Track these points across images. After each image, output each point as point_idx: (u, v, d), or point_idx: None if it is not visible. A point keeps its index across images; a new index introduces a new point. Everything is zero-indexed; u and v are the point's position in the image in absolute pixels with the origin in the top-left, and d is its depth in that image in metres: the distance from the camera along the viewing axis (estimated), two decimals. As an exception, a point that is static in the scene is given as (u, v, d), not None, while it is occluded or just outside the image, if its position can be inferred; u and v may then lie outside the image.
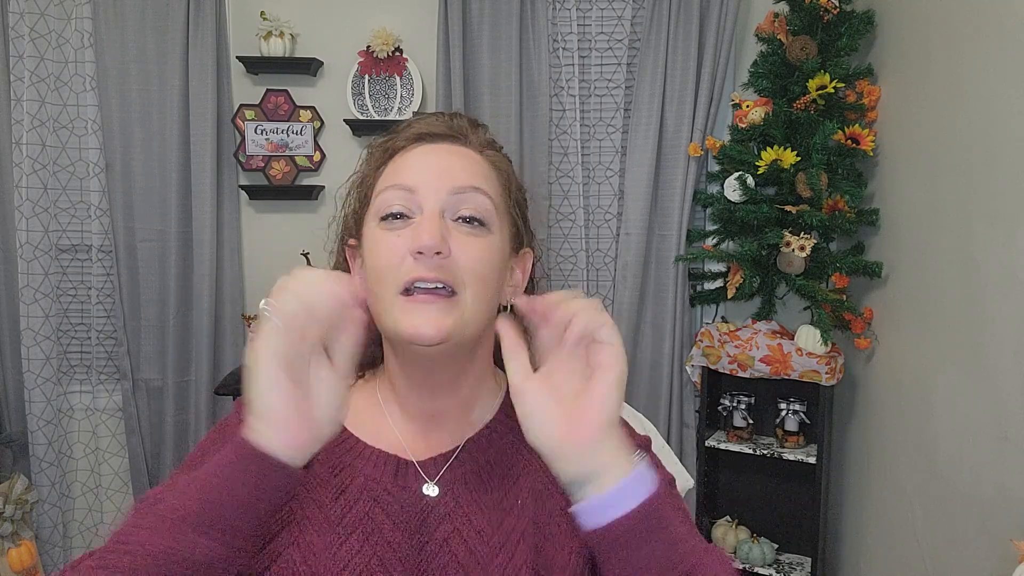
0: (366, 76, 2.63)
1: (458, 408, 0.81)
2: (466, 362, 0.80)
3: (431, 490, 0.77)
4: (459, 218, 0.75)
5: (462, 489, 0.78)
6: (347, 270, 0.84)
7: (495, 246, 0.77)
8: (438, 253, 0.71)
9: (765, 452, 2.38)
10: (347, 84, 2.63)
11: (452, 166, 0.77)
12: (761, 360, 2.30)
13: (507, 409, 0.83)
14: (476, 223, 0.75)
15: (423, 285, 0.71)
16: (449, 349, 0.74)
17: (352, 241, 0.82)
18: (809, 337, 2.26)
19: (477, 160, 0.79)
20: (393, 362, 0.81)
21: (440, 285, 0.71)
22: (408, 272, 0.71)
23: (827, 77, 2.24)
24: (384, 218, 0.75)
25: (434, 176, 0.76)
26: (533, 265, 0.85)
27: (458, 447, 0.80)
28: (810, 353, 2.25)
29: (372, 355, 0.88)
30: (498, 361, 0.86)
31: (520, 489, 0.79)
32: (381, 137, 0.83)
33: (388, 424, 0.82)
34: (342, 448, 0.80)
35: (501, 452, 0.81)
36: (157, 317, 2.70)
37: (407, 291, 0.72)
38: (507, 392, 0.83)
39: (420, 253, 0.71)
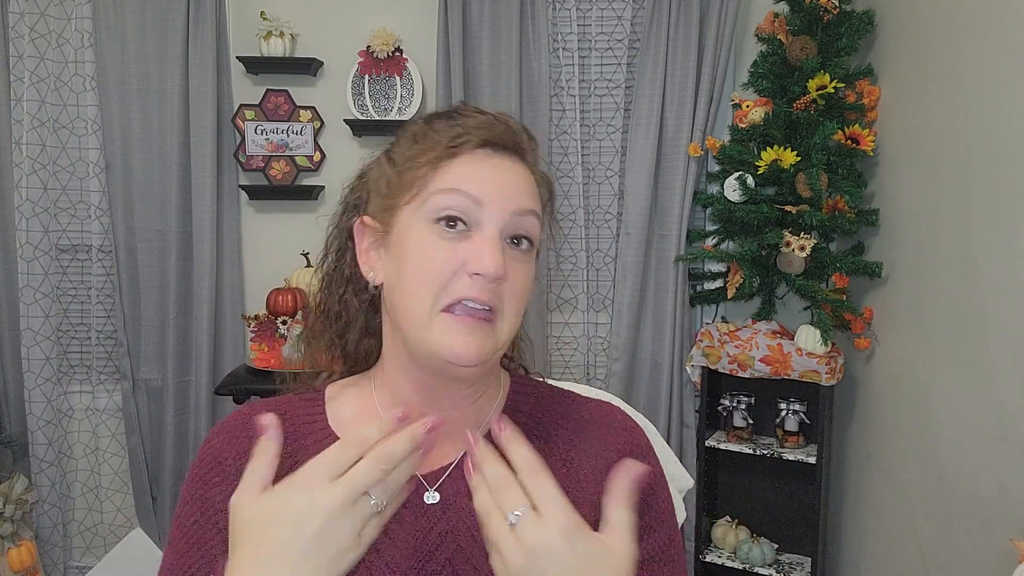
0: (366, 76, 2.62)
1: (463, 418, 0.79)
2: (484, 373, 0.78)
3: (432, 498, 0.75)
4: (513, 238, 0.73)
5: (465, 500, 0.74)
6: (349, 246, 0.81)
7: (533, 271, 0.76)
8: (496, 279, 0.70)
9: (765, 452, 2.37)
10: (347, 84, 2.63)
11: (517, 185, 0.75)
12: (761, 360, 2.30)
13: (511, 412, 0.82)
14: (526, 243, 0.74)
15: (471, 304, 0.70)
16: (478, 370, 0.73)
17: (369, 220, 0.78)
18: (809, 337, 2.26)
19: (532, 181, 0.77)
20: (400, 368, 0.77)
21: (486, 308, 0.71)
22: (461, 291, 0.70)
23: (827, 77, 2.24)
24: (439, 219, 0.72)
25: (501, 192, 0.73)
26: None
27: (460, 455, 0.77)
28: (810, 353, 2.25)
29: (366, 350, 0.84)
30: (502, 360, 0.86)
31: None
32: (434, 122, 0.77)
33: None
34: None
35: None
36: (157, 317, 2.70)
37: (450, 307, 0.70)
38: (509, 393, 0.83)
39: (478, 275, 0.70)
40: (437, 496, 0.75)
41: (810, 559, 2.41)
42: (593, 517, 0.74)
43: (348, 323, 0.83)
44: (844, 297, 2.30)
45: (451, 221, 0.71)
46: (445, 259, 0.70)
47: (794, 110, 2.29)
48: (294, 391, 0.84)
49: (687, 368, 2.55)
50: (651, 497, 0.78)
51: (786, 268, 2.30)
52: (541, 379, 0.90)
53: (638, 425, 0.84)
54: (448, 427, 0.77)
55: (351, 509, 0.58)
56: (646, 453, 0.81)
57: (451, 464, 0.77)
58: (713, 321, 2.63)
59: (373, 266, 0.78)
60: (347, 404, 0.81)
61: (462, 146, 0.74)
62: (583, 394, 0.88)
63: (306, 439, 0.78)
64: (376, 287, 0.78)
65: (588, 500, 0.75)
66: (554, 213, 0.83)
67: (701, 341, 2.45)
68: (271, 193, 2.73)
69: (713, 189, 2.56)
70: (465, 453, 0.76)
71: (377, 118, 2.62)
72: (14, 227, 2.61)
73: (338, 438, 0.76)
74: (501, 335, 0.72)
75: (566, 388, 0.89)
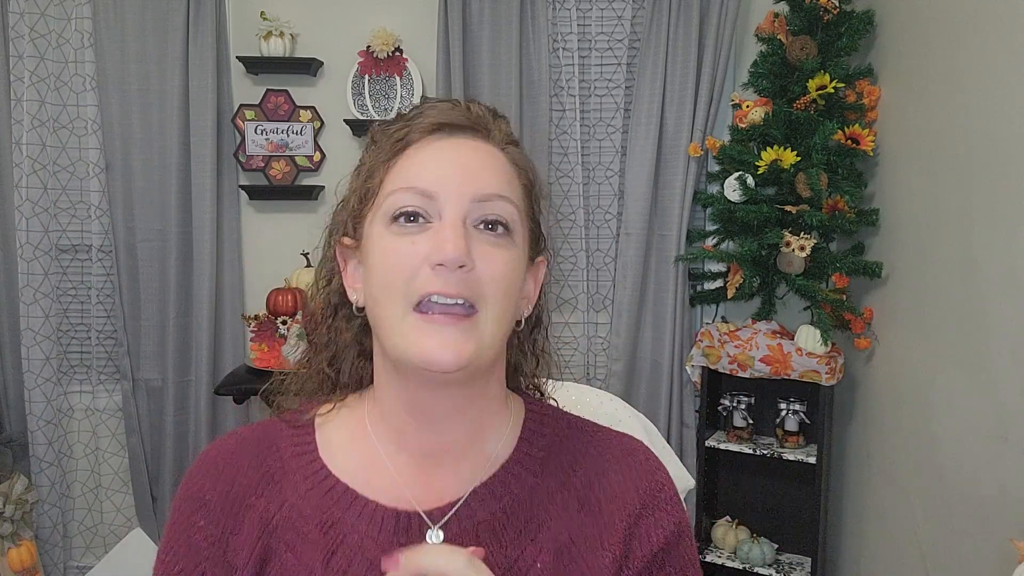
0: (366, 76, 2.62)
1: (465, 442, 0.72)
2: (479, 387, 0.70)
3: (435, 537, 0.68)
4: (483, 223, 0.66)
5: (471, 541, 0.68)
6: (336, 271, 0.76)
7: (517, 258, 0.69)
8: (461, 267, 0.63)
9: (765, 452, 2.38)
10: (347, 84, 2.63)
11: (476, 168, 0.68)
12: (761, 360, 2.30)
13: (526, 445, 0.74)
14: (501, 228, 0.67)
15: (441, 300, 0.63)
16: (464, 375, 0.66)
17: (347, 240, 0.73)
18: (809, 337, 2.26)
19: (501, 160, 0.70)
20: (389, 385, 0.71)
21: (460, 301, 0.63)
22: (424, 285, 0.63)
23: (827, 77, 2.24)
24: (396, 218, 0.66)
25: (456, 179, 0.66)
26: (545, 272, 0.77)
27: (468, 492, 0.70)
28: (810, 353, 2.25)
29: (358, 373, 0.77)
30: (511, 383, 0.78)
31: (540, 547, 0.69)
32: (390, 123, 0.73)
33: (383, 463, 0.71)
34: (330, 499, 0.70)
35: (519, 499, 0.71)
36: (157, 317, 2.70)
37: (421, 306, 0.64)
38: (524, 422, 0.76)
39: (441, 265, 0.63)
40: (441, 535, 0.69)
41: (810, 559, 2.41)
42: (614, 562, 0.69)
43: (337, 353, 0.77)
44: (844, 297, 2.30)
45: (410, 216, 0.66)
46: (406, 254, 0.65)
47: (794, 110, 2.29)
48: (279, 416, 0.78)
49: (687, 368, 2.55)
50: (676, 543, 0.73)
51: (786, 268, 2.30)
52: (555, 402, 0.83)
53: (662, 464, 0.78)
54: (445, 455, 0.72)
55: None
56: (670, 496, 0.75)
57: (457, 501, 0.70)
58: (713, 321, 2.63)
59: (354, 286, 0.73)
60: (338, 429, 0.75)
61: (410, 134, 0.69)
62: (594, 405, 0.84)
63: (295, 473, 0.72)
64: (359, 309, 0.72)
65: (610, 545, 0.70)
66: (541, 194, 0.75)
67: (701, 341, 2.45)
68: (271, 193, 2.73)
69: (713, 189, 2.56)
70: (473, 490, 0.71)
71: (377, 118, 2.63)
72: (14, 227, 2.60)
73: (328, 469, 0.72)
74: (485, 330, 0.65)
75: (587, 419, 0.81)
